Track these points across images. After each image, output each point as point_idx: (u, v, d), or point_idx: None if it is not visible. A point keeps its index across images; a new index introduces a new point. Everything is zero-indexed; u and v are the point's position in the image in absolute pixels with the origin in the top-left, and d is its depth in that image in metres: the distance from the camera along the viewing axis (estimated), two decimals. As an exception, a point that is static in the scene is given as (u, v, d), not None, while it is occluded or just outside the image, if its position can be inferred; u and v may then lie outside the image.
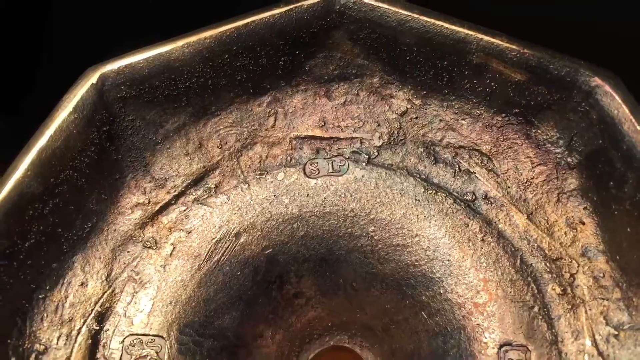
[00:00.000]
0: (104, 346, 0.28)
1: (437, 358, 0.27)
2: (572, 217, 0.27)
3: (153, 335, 0.28)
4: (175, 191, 0.30)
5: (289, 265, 0.29)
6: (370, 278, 0.29)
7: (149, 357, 0.27)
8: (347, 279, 0.29)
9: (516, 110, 0.28)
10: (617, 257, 0.26)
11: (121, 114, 0.29)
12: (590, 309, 0.26)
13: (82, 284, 0.28)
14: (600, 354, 0.25)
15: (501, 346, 0.26)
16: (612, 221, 0.26)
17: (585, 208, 0.27)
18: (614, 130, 0.25)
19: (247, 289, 0.29)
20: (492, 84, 0.27)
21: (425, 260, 0.28)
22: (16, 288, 0.26)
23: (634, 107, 0.25)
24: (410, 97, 0.30)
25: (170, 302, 0.28)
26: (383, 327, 0.29)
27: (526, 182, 0.28)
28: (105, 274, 0.29)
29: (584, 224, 0.27)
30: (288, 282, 0.29)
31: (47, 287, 0.27)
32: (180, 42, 0.27)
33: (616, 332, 0.25)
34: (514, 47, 0.26)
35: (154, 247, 0.29)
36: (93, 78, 0.27)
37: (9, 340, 0.26)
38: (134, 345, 0.28)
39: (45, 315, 0.27)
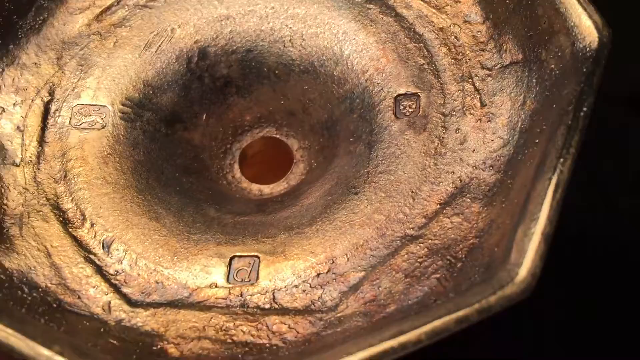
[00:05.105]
0: (55, 112, 0.32)
1: (346, 116, 0.32)
2: (457, -8, 0.32)
3: (99, 105, 0.32)
4: (118, -5, 0.34)
5: (218, 56, 0.34)
6: (290, 64, 0.33)
7: (94, 122, 0.31)
8: (271, 68, 0.34)
9: None
10: (491, 16, 0.30)
11: None
12: (470, 59, 0.30)
13: (35, 64, 0.32)
14: (476, 89, 0.30)
15: (397, 96, 0.31)
16: (485, -14, 0.31)
17: (466, -18, 0.32)
18: None
19: (182, 75, 0.33)
20: None
21: (336, 42, 0.33)
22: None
23: None
24: None
25: (114, 80, 0.32)
26: (303, 107, 0.34)
27: (419, -29, 0.33)
28: (56, 58, 0.33)
29: (465, -5, 0.32)
30: (219, 71, 0.34)
31: (5, 64, 0.32)
32: None
33: (490, 72, 0.30)
34: None
35: (100, 40, 0.33)
36: None
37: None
38: (81, 112, 0.32)
39: (2, 85, 0.31)
